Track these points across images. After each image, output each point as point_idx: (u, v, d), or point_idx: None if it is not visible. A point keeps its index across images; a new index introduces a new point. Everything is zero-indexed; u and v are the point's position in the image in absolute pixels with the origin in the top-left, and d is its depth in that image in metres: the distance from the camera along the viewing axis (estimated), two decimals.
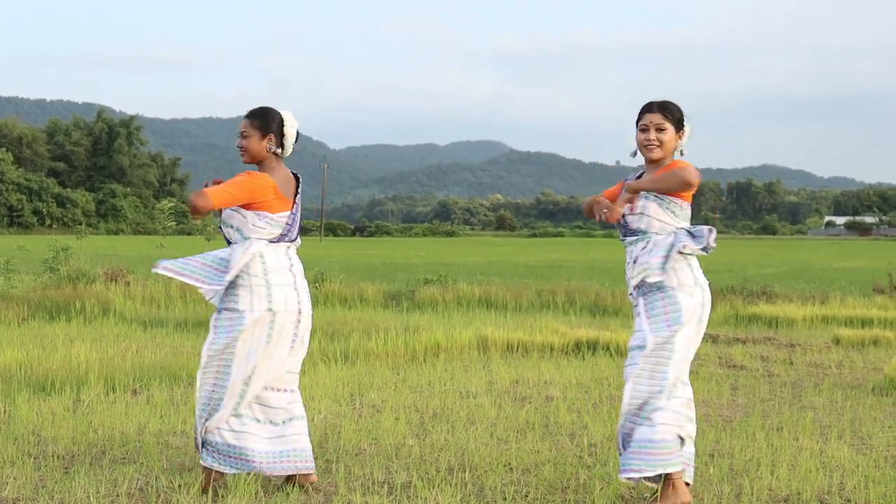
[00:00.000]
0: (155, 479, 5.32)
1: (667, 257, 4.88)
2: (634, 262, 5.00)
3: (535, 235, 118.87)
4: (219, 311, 5.07)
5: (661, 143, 4.99)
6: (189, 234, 64.35)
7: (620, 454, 4.95)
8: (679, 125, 5.03)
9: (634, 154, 5.12)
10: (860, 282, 22.63)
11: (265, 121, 5.18)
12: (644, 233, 5.00)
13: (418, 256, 43.93)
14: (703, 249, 4.91)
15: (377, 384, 8.57)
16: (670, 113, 5.00)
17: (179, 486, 5.20)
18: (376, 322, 13.11)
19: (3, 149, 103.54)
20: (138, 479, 5.34)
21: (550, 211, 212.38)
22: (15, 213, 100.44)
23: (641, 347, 4.90)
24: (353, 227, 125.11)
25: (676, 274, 4.92)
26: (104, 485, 5.21)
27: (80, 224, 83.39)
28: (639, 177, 5.16)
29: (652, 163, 5.06)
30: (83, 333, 11.70)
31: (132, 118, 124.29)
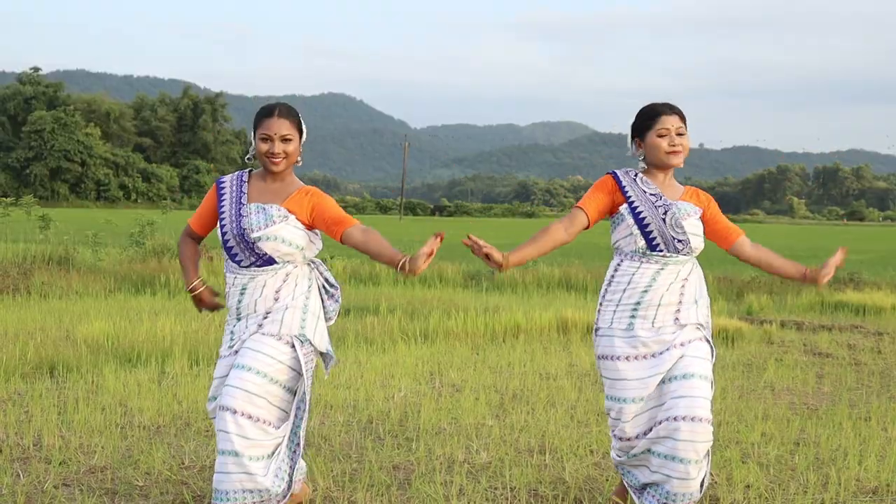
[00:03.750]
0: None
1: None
2: (682, 285, 4.43)
3: None
4: (303, 342, 4.35)
5: (683, 149, 4.48)
6: None
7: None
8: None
9: (643, 157, 4.53)
10: None
11: (301, 122, 4.41)
12: (693, 254, 4.51)
13: (498, 237, 43.89)
14: None
15: (457, 364, 8.58)
16: (682, 115, 4.51)
17: None
18: (456, 301, 13.14)
19: (92, 124, 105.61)
20: None
21: None
22: (102, 188, 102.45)
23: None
24: (432, 206, 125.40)
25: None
26: (188, 456, 5.30)
27: (165, 199, 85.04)
28: (634, 177, 4.52)
29: (665, 168, 4.52)
30: (167, 307, 11.89)
31: (218, 95, 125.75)
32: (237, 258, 4.33)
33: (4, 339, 8.82)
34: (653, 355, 4.38)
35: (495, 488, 4.93)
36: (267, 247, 4.25)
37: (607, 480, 5.08)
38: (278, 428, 4.23)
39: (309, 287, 4.37)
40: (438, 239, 3.94)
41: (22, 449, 5.39)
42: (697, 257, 4.55)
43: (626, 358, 4.40)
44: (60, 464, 5.12)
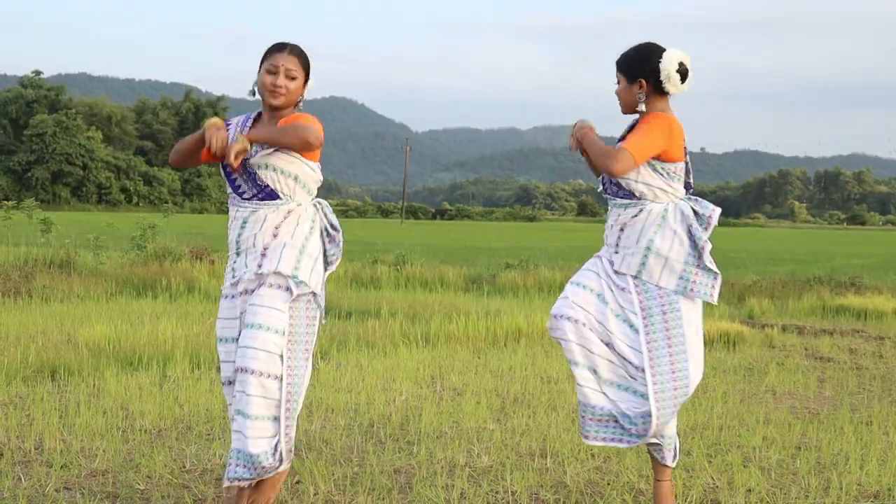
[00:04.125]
0: None
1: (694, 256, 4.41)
2: (622, 228, 4.48)
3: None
4: (297, 284, 4.26)
5: (619, 98, 4.54)
6: None
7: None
8: (631, 74, 4.46)
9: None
10: None
11: (309, 65, 4.44)
12: (638, 200, 4.48)
13: (499, 241, 43.89)
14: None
15: (458, 367, 8.57)
16: (619, 64, 4.50)
17: None
18: (457, 305, 13.13)
19: (94, 127, 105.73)
20: (223, 455, 5.41)
21: None
22: (104, 191, 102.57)
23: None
24: (433, 210, 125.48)
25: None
26: (189, 460, 5.30)
27: (166, 202, 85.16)
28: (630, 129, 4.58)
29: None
30: (169, 310, 11.90)
31: (219, 98, 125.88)
32: (240, 189, 4.33)
33: (6, 342, 8.83)
34: (605, 272, 4.49)
35: (496, 492, 4.92)
36: (267, 177, 4.25)
37: (608, 484, 5.08)
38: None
39: (311, 229, 4.33)
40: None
41: (23, 452, 5.39)
42: None
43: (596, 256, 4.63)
44: (62, 467, 5.12)
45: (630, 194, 4.45)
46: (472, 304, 13.66)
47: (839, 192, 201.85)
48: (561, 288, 16.46)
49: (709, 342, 10.49)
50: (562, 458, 5.57)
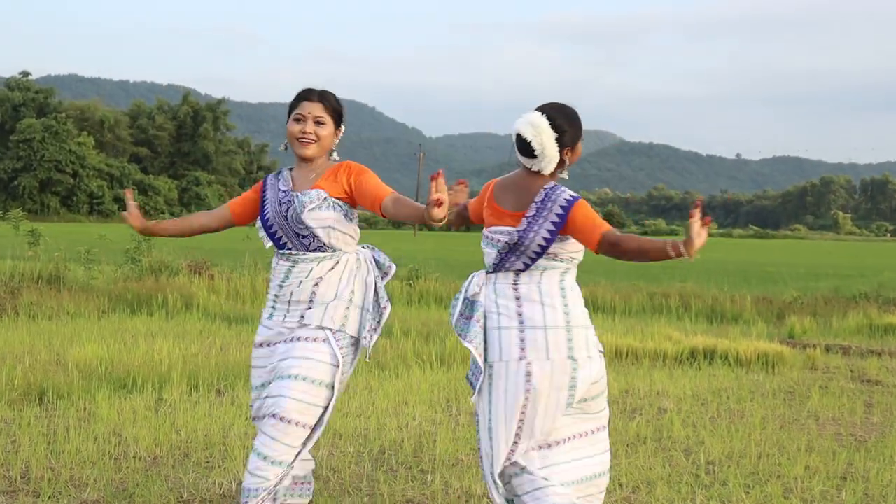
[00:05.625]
0: (239, 485, 5.39)
1: None
2: None
3: (646, 233, 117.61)
4: (335, 332, 4.49)
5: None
6: None
7: None
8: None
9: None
10: None
11: (340, 111, 4.56)
12: None
13: None
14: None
15: None
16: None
17: None
18: None
19: (85, 133, 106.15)
20: (223, 483, 5.42)
21: (663, 207, 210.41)
22: (95, 201, 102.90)
23: None
24: None
25: None
26: (187, 489, 5.30)
27: (163, 213, 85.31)
28: None
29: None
30: (165, 329, 11.93)
31: (219, 102, 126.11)
32: (286, 247, 4.47)
33: None
34: None
35: None
36: (318, 233, 4.37)
37: None
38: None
39: (354, 279, 4.47)
40: (439, 177, 3.84)
41: (9, 481, 5.40)
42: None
43: None
44: (50, 497, 5.13)
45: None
46: None
47: (887, 201, 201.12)
48: (585, 305, 16.45)
49: (745, 363, 10.48)
50: None
